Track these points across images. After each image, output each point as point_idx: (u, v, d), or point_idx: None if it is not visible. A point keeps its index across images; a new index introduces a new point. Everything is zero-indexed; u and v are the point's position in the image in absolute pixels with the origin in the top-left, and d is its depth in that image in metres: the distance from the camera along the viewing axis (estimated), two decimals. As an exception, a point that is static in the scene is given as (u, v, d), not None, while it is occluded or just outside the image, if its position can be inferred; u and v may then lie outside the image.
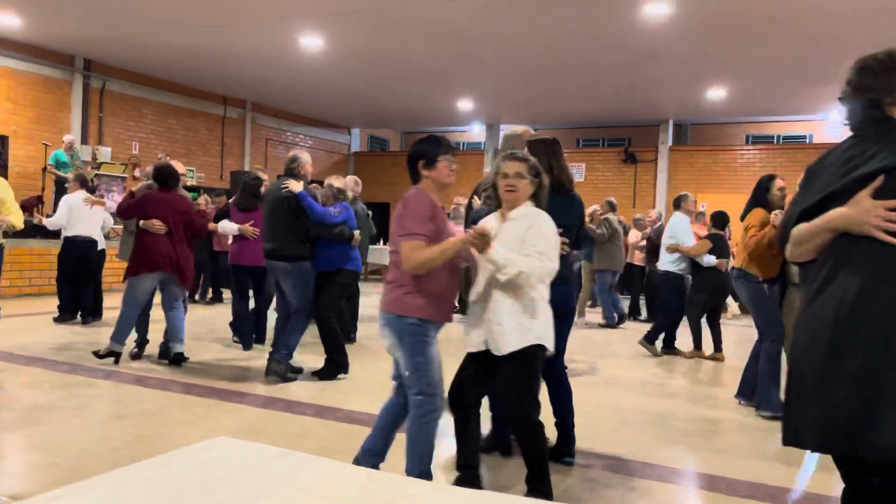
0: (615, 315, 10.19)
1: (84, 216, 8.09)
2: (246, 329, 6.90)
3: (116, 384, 5.35)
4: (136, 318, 5.90)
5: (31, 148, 12.66)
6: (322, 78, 14.36)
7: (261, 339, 7.07)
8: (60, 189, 10.54)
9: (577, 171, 18.29)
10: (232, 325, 7.24)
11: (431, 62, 12.81)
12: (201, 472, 1.45)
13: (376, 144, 23.70)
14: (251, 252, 6.57)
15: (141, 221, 5.76)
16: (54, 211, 9.27)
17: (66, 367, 5.79)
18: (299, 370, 5.83)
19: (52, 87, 13.41)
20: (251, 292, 7.04)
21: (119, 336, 5.80)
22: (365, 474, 1.51)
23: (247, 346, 6.84)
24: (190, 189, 14.66)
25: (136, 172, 13.57)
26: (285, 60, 13.00)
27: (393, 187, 19.40)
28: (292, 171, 5.73)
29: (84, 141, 13.72)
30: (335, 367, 5.78)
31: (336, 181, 6.10)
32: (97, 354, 5.81)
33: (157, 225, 5.69)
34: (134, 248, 5.86)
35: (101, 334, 7.34)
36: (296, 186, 5.54)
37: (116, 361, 5.88)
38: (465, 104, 16.72)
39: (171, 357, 5.93)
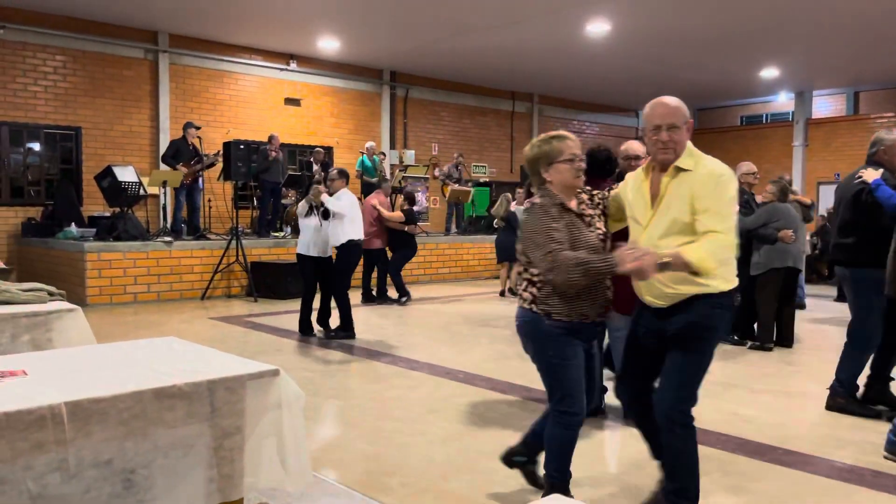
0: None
1: (356, 216, 7.31)
2: None
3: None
4: None
5: (350, 156, 14.29)
6: (608, 63, 13.98)
7: None
8: (367, 192, 11.55)
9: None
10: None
11: (728, 31, 11.71)
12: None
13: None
14: None
15: None
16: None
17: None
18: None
19: (365, 100, 15.00)
20: None
21: None
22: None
23: None
24: (482, 185, 15.37)
25: (436, 172, 14.60)
26: (571, 49, 12.90)
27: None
28: (871, 156, 4.57)
29: (392, 146, 15.13)
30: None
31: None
32: None
33: None
34: None
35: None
36: (871, 175, 4.39)
37: None
38: (768, 72, 15.06)
39: None
